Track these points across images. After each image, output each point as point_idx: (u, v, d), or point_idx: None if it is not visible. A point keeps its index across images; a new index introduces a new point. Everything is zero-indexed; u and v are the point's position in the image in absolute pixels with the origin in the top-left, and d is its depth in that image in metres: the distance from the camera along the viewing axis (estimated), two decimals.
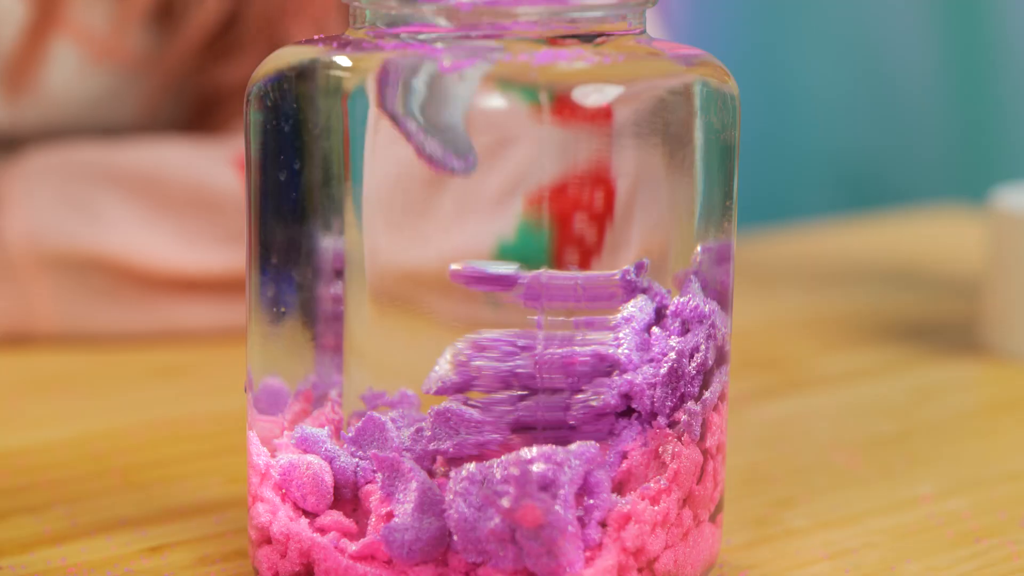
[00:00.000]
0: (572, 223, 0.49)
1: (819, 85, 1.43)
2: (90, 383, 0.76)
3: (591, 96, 0.48)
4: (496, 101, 0.49)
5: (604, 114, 0.48)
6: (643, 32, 0.52)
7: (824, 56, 1.42)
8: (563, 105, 0.48)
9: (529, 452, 0.48)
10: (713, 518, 0.52)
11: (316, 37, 0.52)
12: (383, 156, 0.53)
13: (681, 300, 0.51)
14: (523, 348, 0.50)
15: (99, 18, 0.87)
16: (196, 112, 0.92)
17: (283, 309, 0.53)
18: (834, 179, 1.43)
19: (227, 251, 0.81)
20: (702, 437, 0.51)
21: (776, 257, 1.05)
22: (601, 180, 0.49)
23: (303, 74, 0.51)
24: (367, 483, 0.50)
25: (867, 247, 1.09)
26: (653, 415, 0.50)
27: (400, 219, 0.53)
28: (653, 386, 0.50)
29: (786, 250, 1.08)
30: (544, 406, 0.50)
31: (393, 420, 0.51)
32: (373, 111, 0.51)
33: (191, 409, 0.72)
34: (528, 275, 0.50)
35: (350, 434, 0.51)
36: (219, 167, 0.82)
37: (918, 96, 1.40)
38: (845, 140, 1.43)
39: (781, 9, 1.42)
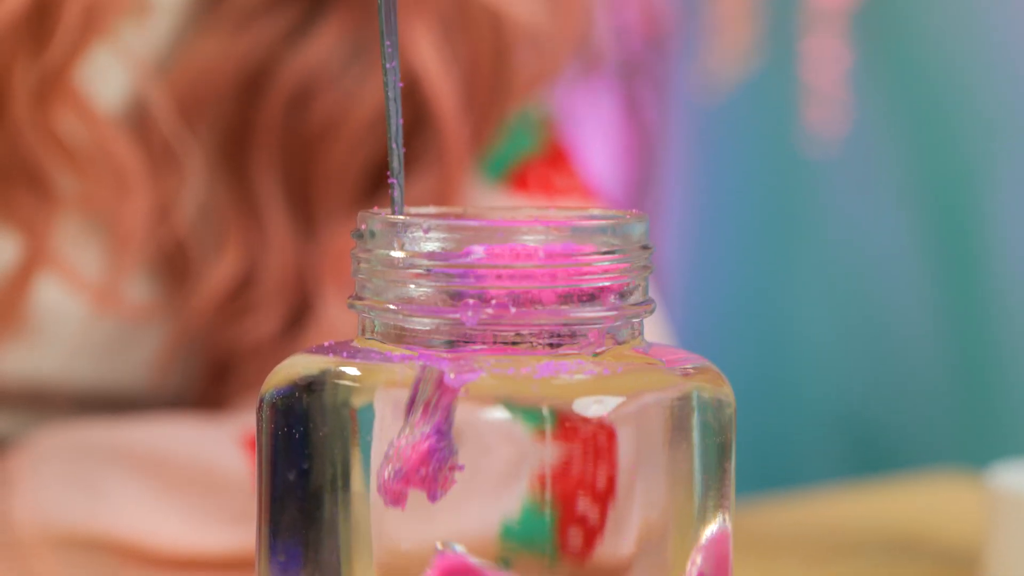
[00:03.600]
0: (575, 504, 0.51)
1: (818, 345, 1.44)
2: None
3: (591, 407, 0.50)
4: (499, 414, 0.50)
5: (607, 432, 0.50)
6: (640, 337, 0.54)
7: (823, 319, 1.44)
8: (565, 420, 0.50)
9: None
10: None
11: (326, 344, 0.54)
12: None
13: None
14: None
15: (92, 263, 0.88)
16: (209, 375, 0.93)
17: None
18: (833, 443, 1.44)
19: (234, 532, 0.82)
20: None
21: (775, 526, 1.06)
22: (603, 461, 0.51)
23: (312, 385, 0.53)
24: None
25: (868, 516, 1.09)
26: None
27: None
28: None
29: (785, 519, 1.08)
30: None
31: None
32: (383, 425, 0.53)
33: None
34: None
35: None
36: (225, 447, 0.83)
37: (919, 362, 1.42)
38: (845, 404, 1.44)
39: (779, 271, 1.45)
